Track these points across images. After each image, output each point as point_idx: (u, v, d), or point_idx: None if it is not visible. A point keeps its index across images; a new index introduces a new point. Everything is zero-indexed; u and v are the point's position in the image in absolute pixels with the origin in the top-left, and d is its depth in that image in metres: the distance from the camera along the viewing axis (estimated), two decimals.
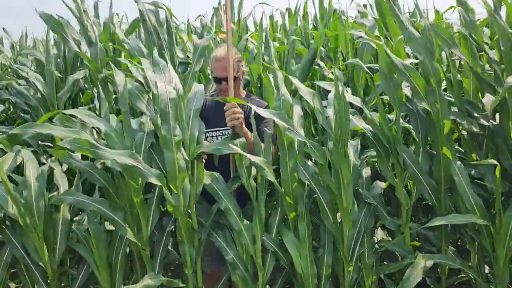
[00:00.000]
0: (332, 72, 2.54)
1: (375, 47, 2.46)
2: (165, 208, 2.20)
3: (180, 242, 2.18)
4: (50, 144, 3.03)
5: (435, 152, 2.40)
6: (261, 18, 3.63)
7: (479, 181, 2.45)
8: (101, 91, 2.64)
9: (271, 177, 2.12)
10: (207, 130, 2.47)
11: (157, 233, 2.28)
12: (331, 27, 4.02)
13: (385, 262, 2.69)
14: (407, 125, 2.55)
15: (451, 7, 4.12)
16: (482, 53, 2.62)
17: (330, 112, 2.21)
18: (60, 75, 3.74)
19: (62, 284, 2.67)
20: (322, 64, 3.16)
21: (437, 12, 4.04)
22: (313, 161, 2.29)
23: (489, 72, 2.69)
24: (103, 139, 2.21)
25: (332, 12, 4.58)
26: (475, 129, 2.45)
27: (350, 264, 2.22)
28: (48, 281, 2.24)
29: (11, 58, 5.16)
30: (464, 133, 2.58)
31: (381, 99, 2.39)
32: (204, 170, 2.24)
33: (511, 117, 2.31)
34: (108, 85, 3.14)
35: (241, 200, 2.28)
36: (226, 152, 2.19)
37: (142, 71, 2.33)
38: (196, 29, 5.12)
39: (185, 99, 2.28)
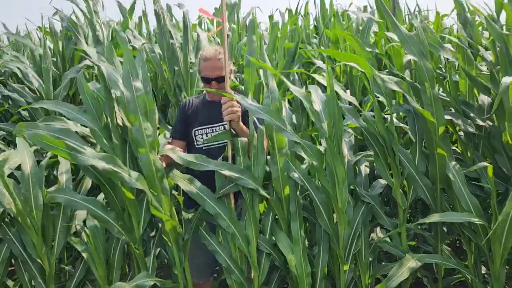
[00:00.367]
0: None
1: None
2: None
3: (166, 242, 2.17)
4: None
5: (430, 153, 2.41)
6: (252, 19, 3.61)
7: (476, 182, 2.45)
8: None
9: (252, 185, 2.12)
10: (197, 128, 2.49)
11: (149, 232, 2.28)
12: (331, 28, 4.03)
13: (383, 262, 2.69)
14: (402, 125, 2.55)
15: (444, 16, 4.15)
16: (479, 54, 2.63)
17: (323, 109, 2.21)
18: (57, 72, 3.75)
19: (60, 281, 2.68)
20: (321, 63, 3.16)
21: (437, 13, 4.03)
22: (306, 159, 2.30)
23: (485, 73, 2.70)
24: None
25: (333, 12, 4.60)
26: (471, 129, 2.46)
27: (345, 264, 2.22)
28: (46, 277, 2.25)
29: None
30: (461, 133, 2.59)
31: (378, 100, 2.39)
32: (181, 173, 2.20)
33: (507, 118, 2.31)
34: None
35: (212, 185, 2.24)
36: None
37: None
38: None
39: None
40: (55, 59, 3.85)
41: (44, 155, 2.90)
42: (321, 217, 2.16)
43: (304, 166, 2.23)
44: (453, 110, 2.54)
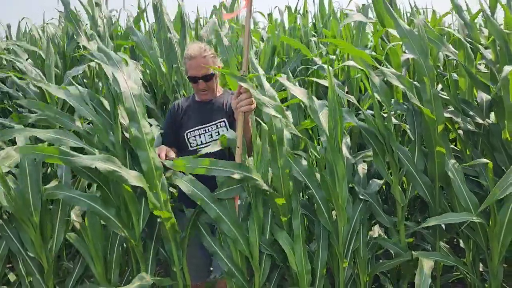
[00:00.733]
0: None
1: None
2: None
3: (165, 240, 2.16)
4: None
5: (429, 150, 2.41)
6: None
7: (475, 179, 2.46)
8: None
9: (259, 182, 2.06)
10: (189, 130, 2.43)
11: (149, 229, 2.27)
12: (330, 27, 4.03)
13: (381, 260, 2.70)
14: (401, 123, 2.56)
15: (446, 14, 4.15)
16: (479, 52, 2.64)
17: (324, 108, 2.21)
18: (57, 71, 3.74)
19: (58, 278, 2.68)
20: (320, 62, 3.16)
21: (434, 12, 4.04)
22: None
23: (485, 72, 2.72)
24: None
25: (332, 11, 4.60)
26: (471, 127, 2.46)
27: (345, 261, 2.23)
28: (44, 274, 2.24)
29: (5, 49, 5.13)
30: (460, 131, 2.60)
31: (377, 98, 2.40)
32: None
33: (506, 115, 2.32)
34: None
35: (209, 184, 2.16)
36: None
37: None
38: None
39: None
40: (56, 59, 3.84)
41: None
42: (321, 214, 2.17)
43: (304, 164, 2.22)
44: (452, 108, 2.55)
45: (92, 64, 3.57)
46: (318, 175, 2.21)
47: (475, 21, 3.21)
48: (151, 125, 2.77)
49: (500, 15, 2.99)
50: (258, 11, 5.27)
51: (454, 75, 2.72)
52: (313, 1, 6.45)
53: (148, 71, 3.63)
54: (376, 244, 2.43)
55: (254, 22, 5.91)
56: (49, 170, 3.04)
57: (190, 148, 2.44)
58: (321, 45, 3.68)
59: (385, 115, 2.42)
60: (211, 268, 2.55)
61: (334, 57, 3.48)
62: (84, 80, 3.84)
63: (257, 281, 2.14)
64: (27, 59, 4.02)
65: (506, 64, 2.37)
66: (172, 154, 2.24)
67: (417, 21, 2.39)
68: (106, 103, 2.24)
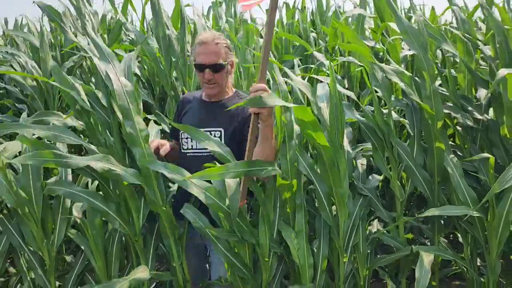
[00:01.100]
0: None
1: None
2: None
3: (164, 235, 2.16)
4: None
5: (428, 146, 2.44)
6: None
7: (474, 174, 2.48)
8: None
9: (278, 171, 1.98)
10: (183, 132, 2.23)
11: (149, 224, 2.28)
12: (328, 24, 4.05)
13: (378, 255, 2.73)
14: (400, 119, 2.58)
15: (448, 8, 4.17)
16: (478, 48, 2.66)
17: (325, 103, 2.22)
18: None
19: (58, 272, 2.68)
20: (320, 56, 3.18)
21: (432, 8, 4.07)
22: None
23: (484, 68, 2.74)
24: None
25: (328, 7, 4.62)
26: (469, 123, 2.49)
27: (345, 255, 2.25)
28: (46, 269, 2.25)
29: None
30: (459, 128, 2.62)
31: (376, 94, 2.42)
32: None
33: (505, 111, 2.34)
34: None
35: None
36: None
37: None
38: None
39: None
40: (54, 54, 3.83)
41: None
42: (323, 208, 2.18)
43: (309, 158, 2.23)
44: (451, 104, 2.57)
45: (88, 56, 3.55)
46: (319, 170, 2.22)
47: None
48: (148, 120, 2.78)
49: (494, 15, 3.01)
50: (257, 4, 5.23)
51: (453, 71, 2.74)
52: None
53: (145, 67, 3.64)
54: (376, 239, 2.45)
55: (251, 18, 5.90)
56: None
57: (182, 150, 2.29)
58: (320, 41, 3.69)
59: (385, 110, 2.43)
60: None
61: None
62: (82, 76, 3.83)
63: (265, 278, 2.13)
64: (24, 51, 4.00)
65: (505, 60, 2.39)
66: (166, 146, 2.16)
67: (416, 16, 2.41)
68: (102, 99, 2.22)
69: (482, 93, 2.58)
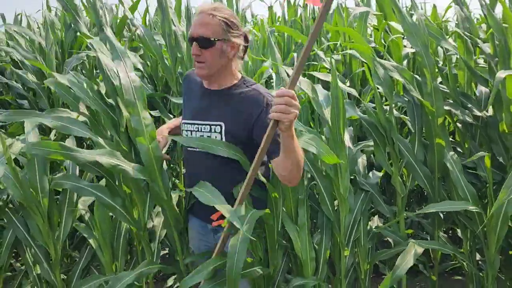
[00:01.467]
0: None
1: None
2: None
3: (168, 230, 2.17)
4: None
5: (429, 142, 2.47)
6: None
7: (473, 171, 2.52)
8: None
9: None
10: (185, 121, 1.98)
11: (155, 218, 2.31)
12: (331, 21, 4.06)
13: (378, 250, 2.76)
14: (401, 115, 2.61)
15: (450, 7, 4.20)
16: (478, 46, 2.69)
17: (326, 99, 2.25)
18: (57, 61, 3.74)
19: (63, 269, 2.71)
20: (321, 53, 3.20)
21: (434, 6, 4.09)
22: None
23: (484, 66, 2.77)
24: None
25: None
26: (469, 119, 2.52)
27: (346, 249, 2.29)
28: (51, 262, 2.27)
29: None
30: (459, 124, 2.66)
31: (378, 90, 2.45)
32: None
33: (504, 108, 2.38)
34: None
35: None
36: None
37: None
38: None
39: None
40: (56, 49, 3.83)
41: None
42: (324, 203, 2.22)
43: (311, 154, 2.26)
44: (451, 101, 2.60)
45: (92, 54, 3.56)
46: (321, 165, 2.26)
47: (472, 15, 3.25)
48: (153, 116, 2.80)
49: (497, 9, 3.03)
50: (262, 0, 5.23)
51: (454, 68, 2.77)
52: None
53: (148, 63, 3.65)
54: (376, 234, 2.48)
55: (252, 14, 5.93)
56: None
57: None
58: (322, 39, 3.71)
59: (386, 107, 2.47)
60: None
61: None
62: (83, 71, 3.84)
63: (272, 270, 2.14)
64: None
65: (505, 58, 2.42)
66: (161, 143, 2.07)
67: (417, 14, 2.43)
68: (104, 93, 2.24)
69: (482, 90, 2.61)
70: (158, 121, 3.17)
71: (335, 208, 2.26)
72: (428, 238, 2.80)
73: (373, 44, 3.01)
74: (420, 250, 2.19)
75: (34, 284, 2.35)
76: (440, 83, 2.73)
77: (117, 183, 2.15)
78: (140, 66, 3.36)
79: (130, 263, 2.53)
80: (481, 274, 2.51)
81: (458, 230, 2.89)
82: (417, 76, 2.50)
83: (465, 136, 2.62)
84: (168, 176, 2.15)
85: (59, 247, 2.25)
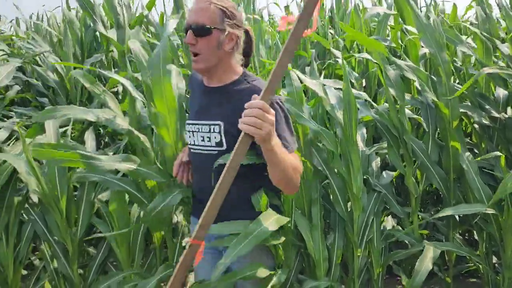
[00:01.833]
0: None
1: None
2: None
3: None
4: None
5: (444, 143, 2.46)
6: None
7: (490, 172, 2.49)
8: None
9: None
10: (188, 121, 1.80)
11: (179, 214, 2.33)
12: (349, 20, 4.04)
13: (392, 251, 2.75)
14: (415, 116, 2.60)
15: (471, 7, 4.13)
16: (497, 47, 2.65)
17: (338, 102, 2.24)
18: (77, 60, 3.81)
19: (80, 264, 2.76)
20: (338, 53, 3.20)
21: (454, 5, 4.03)
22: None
23: (503, 67, 2.73)
24: None
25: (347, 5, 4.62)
26: (486, 122, 2.49)
27: (359, 249, 2.29)
28: (69, 258, 2.31)
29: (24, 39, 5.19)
30: (476, 126, 2.63)
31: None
32: None
33: None
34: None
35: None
36: None
37: None
38: None
39: None
40: (73, 49, 3.90)
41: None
42: (338, 203, 2.22)
43: (324, 154, 2.27)
44: (469, 102, 2.58)
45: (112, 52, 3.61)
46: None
47: (494, 15, 3.20)
48: None
49: None
50: (274, 2, 5.26)
51: (472, 69, 2.74)
52: None
53: None
54: (390, 234, 2.47)
55: (269, 14, 5.94)
56: None
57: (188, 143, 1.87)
58: (338, 38, 3.70)
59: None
60: None
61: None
62: (101, 69, 3.90)
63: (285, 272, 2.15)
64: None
65: None
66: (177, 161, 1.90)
67: (433, 15, 2.42)
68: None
69: (500, 92, 2.58)
70: None
71: (348, 209, 2.27)
72: (443, 240, 2.77)
73: (388, 43, 2.99)
74: (437, 253, 2.18)
75: (52, 279, 2.39)
76: (458, 83, 2.71)
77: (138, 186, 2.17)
78: None
79: (147, 259, 2.56)
80: (497, 277, 2.49)
81: (474, 232, 2.86)
82: (433, 77, 2.48)
83: (482, 138, 2.59)
84: None
85: (76, 242, 2.30)
